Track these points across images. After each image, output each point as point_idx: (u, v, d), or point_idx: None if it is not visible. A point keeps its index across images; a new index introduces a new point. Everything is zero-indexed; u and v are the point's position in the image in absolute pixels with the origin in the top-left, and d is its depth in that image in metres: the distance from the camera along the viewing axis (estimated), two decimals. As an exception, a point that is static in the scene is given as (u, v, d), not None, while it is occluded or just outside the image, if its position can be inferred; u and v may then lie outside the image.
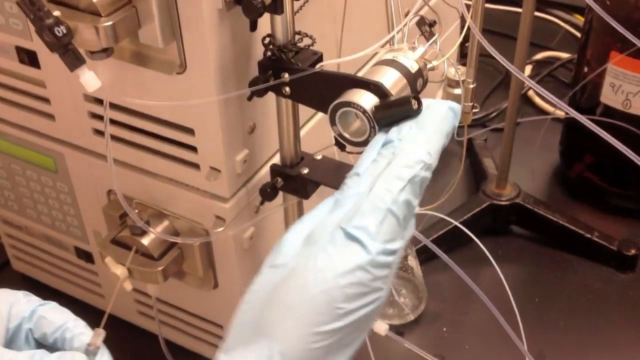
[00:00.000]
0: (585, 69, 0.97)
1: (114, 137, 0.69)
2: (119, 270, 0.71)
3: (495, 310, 0.59)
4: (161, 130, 0.66)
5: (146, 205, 0.72)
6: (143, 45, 0.60)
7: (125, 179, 0.71)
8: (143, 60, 0.61)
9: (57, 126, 0.74)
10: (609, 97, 0.92)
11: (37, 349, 0.53)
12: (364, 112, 0.52)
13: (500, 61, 0.57)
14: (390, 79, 0.54)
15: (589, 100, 0.97)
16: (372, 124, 0.52)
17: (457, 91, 1.05)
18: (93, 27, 0.55)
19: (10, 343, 0.54)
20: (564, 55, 1.32)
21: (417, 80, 0.55)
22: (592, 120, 0.90)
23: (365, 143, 0.54)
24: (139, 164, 0.70)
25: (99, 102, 0.68)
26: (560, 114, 1.07)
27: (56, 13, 0.52)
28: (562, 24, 1.42)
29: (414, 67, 0.55)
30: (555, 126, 1.07)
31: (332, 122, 0.54)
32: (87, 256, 0.85)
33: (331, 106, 0.53)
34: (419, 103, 0.50)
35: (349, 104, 0.52)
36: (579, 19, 1.41)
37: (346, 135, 0.54)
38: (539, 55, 1.32)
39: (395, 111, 0.51)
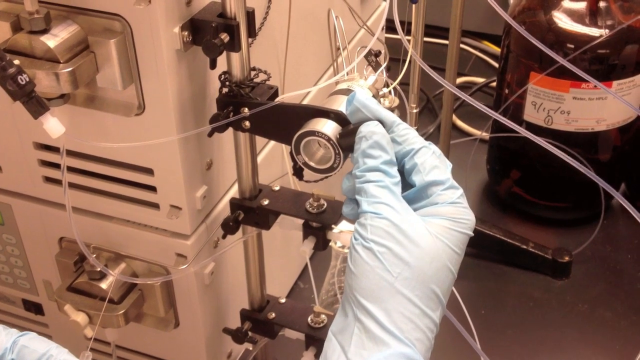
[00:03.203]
0: (507, 91, 1.03)
1: (68, 184, 0.68)
2: (80, 317, 0.70)
3: (451, 315, 0.62)
4: (118, 173, 0.66)
5: (102, 249, 0.72)
6: (97, 88, 0.61)
7: (81, 225, 0.70)
8: (99, 103, 0.62)
9: (4, 177, 0.73)
10: (531, 115, 0.98)
11: None
12: (329, 139, 0.54)
13: (446, 86, 0.61)
14: (349, 107, 0.56)
15: (512, 120, 1.02)
16: (337, 151, 0.54)
17: (388, 119, 1.09)
18: (53, 74, 0.55)
19: None
20: (479, 79, 1.39)
21: (372, 107, 0.58)
22: (518, 138, 0.95)
23: (330, 170, 0.56)
24: (95, 208, 0.70)
25: (50, 149, 0.68)
26: (485, 135, 1.12)
27: (16, 62, 0.52)
28: (472, 50, 1.50)
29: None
30: (480, 147, 1.12)
31: (297, 152, 0.56)
32: (36, 308, 0.83)
33: (295, 136, 0.55)
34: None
35: (313, 132, 0.55)
36: (488, 45, 1.49)
37: (311, 163, 0.56)
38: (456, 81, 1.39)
39: (359, 137, 0.54)
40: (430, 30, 1.33)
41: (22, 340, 0.55)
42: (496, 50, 1.44)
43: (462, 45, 1.50)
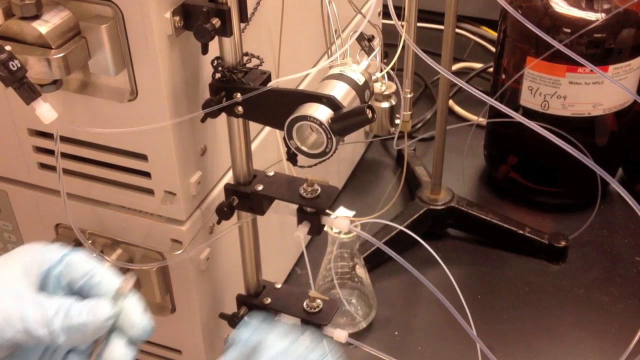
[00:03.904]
0: (503, 76, 1.02)
1: (63, 170, 0.68)
2: (76, 303, 0.70)
3: (447, 302, 0.62)
4: (112, 159, 0.66)
5: (98, 236, 0.72)
6: (90, 74, 0.61)
7: (76, 211, 0.71)
8: (92, 89, 0.62)
9: (0, 164, 0.73)
10: (528, 100, 0.98)
11: (66, 295, 0.52)
12: (321, 124, 0.54)
13: (437, 69, 0.61)
14: (341, 92, 0.57)
15: (509, 105, 1.02)
16: (329, 136, 0.55)
17: (384, 104, 1.09)
18: (45, 60, 0.55)
19: (41, 288, 0.53)
20: (477, 65, 1.38)
21: (364, 92, 0.59)
22: (515, 124, 0.96)
23: (322, 154, 0.56)
24: (90, 194, 0.70)
25: (45, 136, 0.68)
26: (482, 121, 1.12)
27: (7, 48, 0.52)
28: (471, 36, 1.49)
29: (360, 80, 0.58)
30: (478, 132, 1.12)
31: (290, 137, 0.56)
32: (34, 294, 0.84)
33: (288, 121, 0.56)
34: (373, 112, 0.53)
35: (305, 117, 0.55)
36: (487, 31, 1.48)
37: (304, 148, 0.57)
38: (454, 67, 1.38)
39: (351, 121, 0.54)
40: (430, 16, 1.33)
41: (71, 256, 0.54)
42: (495, 35, 1.44)
43: (460, 31, 1.50)
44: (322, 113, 0.55)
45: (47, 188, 0.72)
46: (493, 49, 1.42)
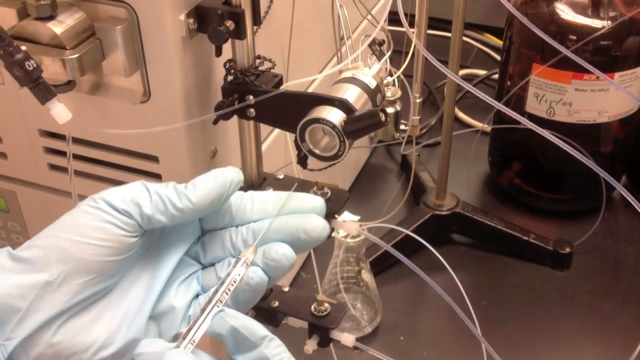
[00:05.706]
0: (509, 83, 1.03)
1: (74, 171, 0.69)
2: (84, 304, 0.70)
3: (452, 302, 0.62)
4: (124, 160, 0.67)
5: (107, 237, 0.72)
6: (103, 75, 0.61)
7: (85, 212, 0.71)
8: (104, 90, 0.62)
9: (9, 164, 0.73)
10: (533, 106, 0.98)
11: None
12: (334, 127, 0.55)
13: (447, 74, 0.61)
14: (353, 95, 0.57)
15: (514, 112, 1.03)
16: (341, 138, 0.55)
17: (390, 110, 1.10)
18: (60, 60, 0.56)
19: None
20: (481, 72, 1.39)
21: (376, 95, 0.59)
22: (519, 130, 0.96)
23: (335, 157, 0.57)
24: (100, 195, 0.70)
25: (55, 136, 0.69)
26: (487, 127, 1.12)
27: (23, 48, 0.52)
28: (474, 43, 1.50)
29: (372, 83, 0.59)
30: (482, 139, 1.12)
31: (302, 140, 0.57)
32: (40, 296, 0.84)
33: (300, 124, 0.56)
34: (386, 115, 0.54)
35: (318, 120, 0.55)
36: (490, 38, 1.49)
37: (316, 151, 0.57)
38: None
39: (364, 124, 0.54)
40: (433, 22, 1.33)
41: None
42: (498, 42, 1.44)
43: (464, 38, 1.50)
44: (335, 116, 0.55)
45: (57, 189, 0.72)
46: (496, 56, 1.43)
